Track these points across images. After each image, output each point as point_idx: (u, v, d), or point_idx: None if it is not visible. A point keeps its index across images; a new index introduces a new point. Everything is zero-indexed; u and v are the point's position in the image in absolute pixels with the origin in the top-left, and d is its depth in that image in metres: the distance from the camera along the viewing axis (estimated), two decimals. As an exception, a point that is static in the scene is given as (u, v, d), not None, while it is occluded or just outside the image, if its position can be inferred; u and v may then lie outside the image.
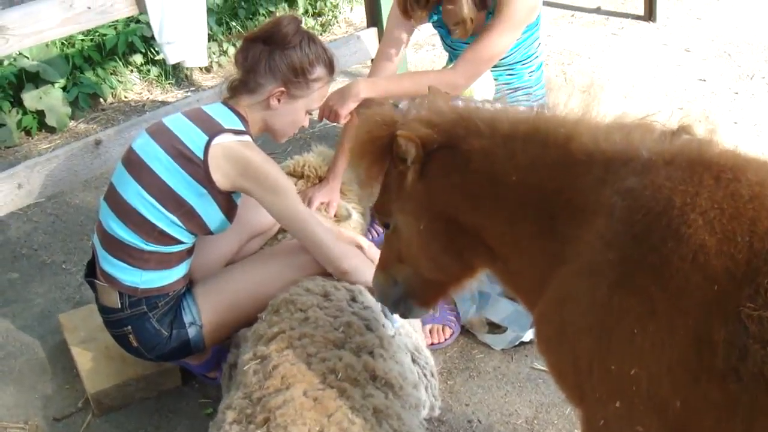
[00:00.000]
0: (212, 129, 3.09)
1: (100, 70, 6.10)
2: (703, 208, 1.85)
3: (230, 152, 3.08)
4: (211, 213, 3.13)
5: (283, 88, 3.20)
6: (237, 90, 3.25)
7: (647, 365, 1.91)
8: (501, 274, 2.45)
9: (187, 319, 3.24)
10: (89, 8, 3.88)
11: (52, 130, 5.78)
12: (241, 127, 3.17)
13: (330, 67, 3.34)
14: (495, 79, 3.92)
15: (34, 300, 4.19)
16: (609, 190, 2.02)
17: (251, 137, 3.20)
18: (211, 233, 3.21)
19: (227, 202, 3.16)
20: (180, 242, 3.15)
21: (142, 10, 4.13)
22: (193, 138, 3.08)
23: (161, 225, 3.09)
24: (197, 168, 3.05)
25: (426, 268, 2.51)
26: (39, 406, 3.56)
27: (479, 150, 2.27)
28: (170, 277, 3.19)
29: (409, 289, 2.62)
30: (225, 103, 3.25)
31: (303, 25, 3.33)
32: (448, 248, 2.42)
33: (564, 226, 2.13)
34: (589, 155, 2.10)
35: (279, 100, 3.22)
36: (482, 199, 2.29)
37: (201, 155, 3.05)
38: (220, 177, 3.07)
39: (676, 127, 2.10)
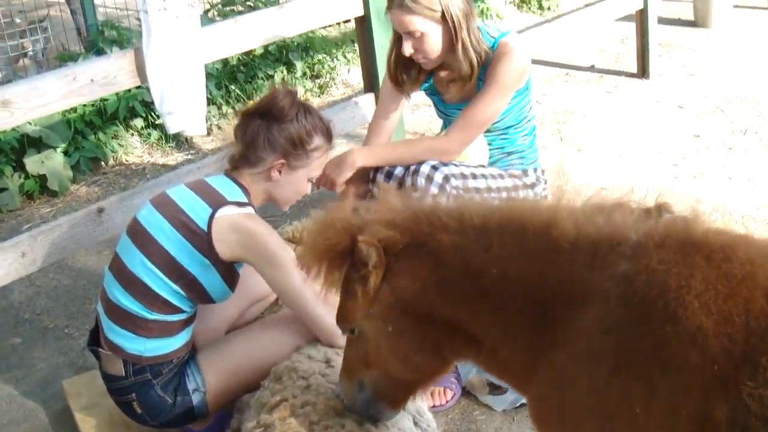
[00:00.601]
0: (216, 201, 3.15)
1: (101, 134, 6.19)
2: (698, 290, 1.86)
3: (233, 224, 3.12)
4: (213, 283, 3.17)
5: (283, 160, 3.26)
6: (238, 163, 3.31)
7: None
8: (485, 362, 2.39)
9: (191, 385, 3.26)
10: (92, 81, 3.95)
11: (53, 193, 5.84)
12: (244, 199, 3.22)
13: (327, 136, 3.38)
14: (488, 144, 3.99)
15: (36, 365, 4.20)
16: (599, 276, 2.00)
17: (254, 208, 3.26)
18: (213, 302, 3.25)
19: (229, 273, 3.20)
20: (182, 311, 3.19)
21: (143, 81, 4.21)
22: (197, 210, 3.14)
23: (164, 294, 3.13)
24: (201, 240, 3.10)
25: (397, 370, 2.42)
26: (42, 474, 3.57)
27: (450, 245, 2.23)
28: (174, 344, 3.22)
29: (378, 393, 2.52)
30: (227, 174, 3.31)
31: (299, 91, 3.40)
32: (422, 346, 2.35)
33: (554, 314, 2.09)
34: (573, 242, 2.07)
35: (280, 172, 3.28)
36: (460, 294, 2.23)
37: (205, 227, 3.10)
38: (224, 248, 3.11)
39: (654, 206, 2.10)
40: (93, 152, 6.07)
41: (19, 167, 5.82)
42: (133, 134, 6.42)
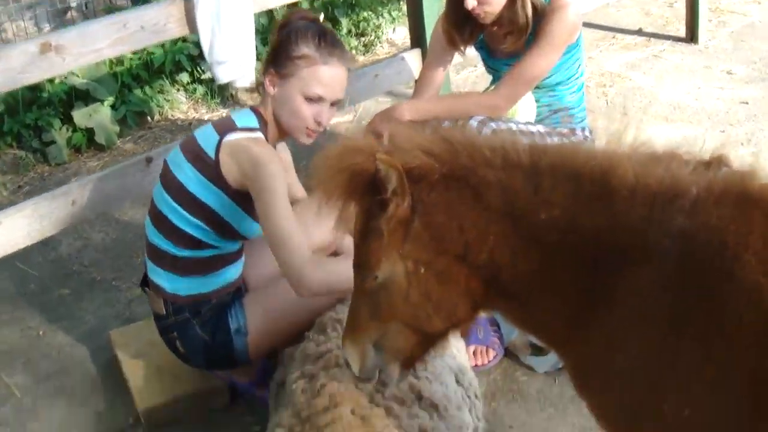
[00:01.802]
0: (225, 128, 3.17)
1: (147, 89, 6.22)
2: (756, 248, 1.82)
3: (236, 147, 3.11)
4: (233, 215, 3.18)
5: (271, 70, 3.21)
6: (259, 92, 3.33)
7: (702, 407, 1.91)
8: (520, 315, 2.26)
9: (233, 325, 3.31)
10: (142, 28, 3.98)
11: (100, 147, 5.89)
12: (256, 125, 3.20)
13: (320, 45, 3.17)
14: (536, 101, 3.96)
15: (84, 317, 4.27)
16: (656, 232, 1.93)
17: (265, 136, 3.22)
18: (241, 236, 3.25)
19: (248, 203, 3.15)
20: (210, 246, 3.22)
21: (193, 30, 4.22)
22: (208, 139, 3.17)
23: (188, 230, 3.19)
24: (210, 168, 3.12)
25: (424, 318, 2.20)
26: (91, 422, 3.63)
27: (495, 182, 2.06)
28: (212, 283, 3.27)
29: (394, 351, 2.29)
30: (252, 107, 3.32)
31: (320, 23, 3.29)
32: (456, 291, 2.16)
33: (604, 269, 2.00)
34: (631, 192, 1.96)
35: (273, 87, 3.21)
36: (502, 237, 2.07)
37: (213, 155, 3.12)
38: (229, 174, 3.11)
39: (712, 159, 2.01)
40: (139, 107, 6.11)
41: (67, 120, 5.88)
42: (179, 89, 6.45)
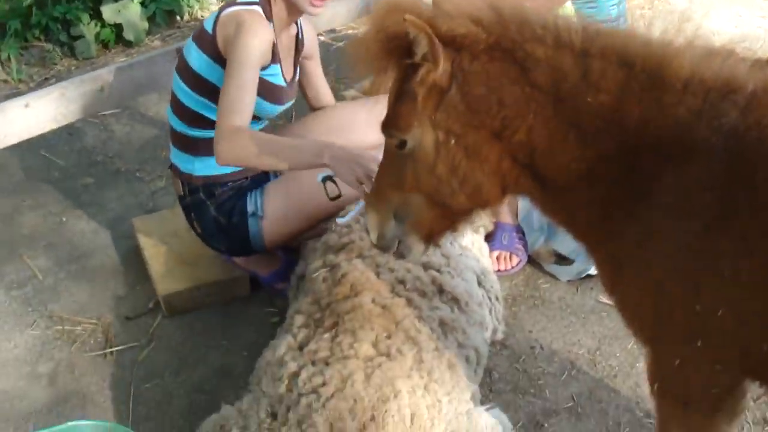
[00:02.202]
0: (226, 5, 3.19)
1: (178, -12, 6.13)
2: None
3: (228, 17, 3.12)
4: None
5: None
6: None
7: (737, 307, 1.87)
8: (548, 203, 2.21)
9: (250, 208, 3.33)
10: None
11: (129, 44, 5.82)
12: (255, 0, 3.17)
13: None
14: (576, 11, 3.87)
15: (107, 205, 4.27)
16: (706, 126, 1.87)
17: (269, 14, 3.16)
18: (254, 116, 3.14)
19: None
20: None
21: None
22: (210, 18, 3.21)
23: (197, 109, 3.26)
24: (208, 44, 3.17)
25: (449, 192, 2.16)
26: (111, 305, 3.65)
27: (543, 60, 1.99)
28: (226, 166, 3.22)
29: (415, 222, 2.27)
30: None
31: None
32: (485, 168, 2.11)
33: (648, 162, 1.95)
34: (686, 83, 1.90)
35: None
36: (543, 118, 2.02)
37: (210, 30, 3.17)
38: (222, 43, 3.13)
39: None
40: (169, 5, 6.02)
41: (96, 15, 5.80)
42: (209, -10, 6.35)
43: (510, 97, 2.02)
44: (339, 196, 3.06)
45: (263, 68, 3.14)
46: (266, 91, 3.20)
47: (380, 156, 2.32)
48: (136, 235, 3.84)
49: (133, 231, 3.90)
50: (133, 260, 3.85)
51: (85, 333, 3.50)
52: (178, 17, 6.14)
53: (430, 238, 2.34)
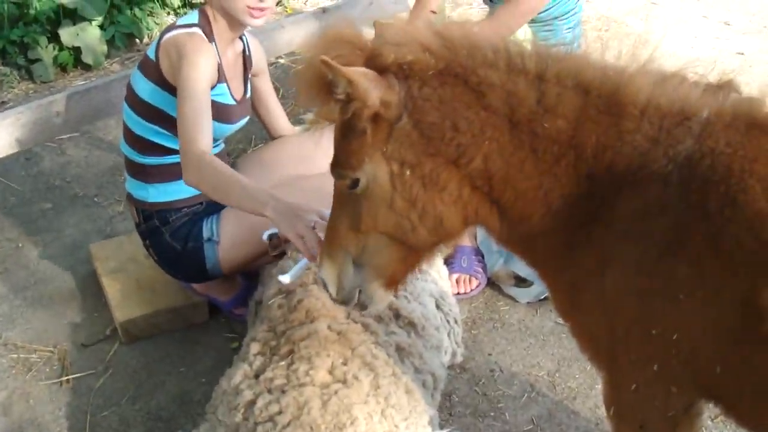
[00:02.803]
0: (166, 29, 3.19)
1: (137, 10, 6.09)
2: (761, 175, 1.79)
3: (170, 42, 3.11)
4: None
5: None
6: None
7: (691, 330, 1.89)
8: (507, 232, 2.15)
9: (206, 234, 3.32)
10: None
11: (87, 67, 5.78)
12: (194, 21, 3.17)
13: None
14: (532, 35, 3.90)
15: (65, 230, 4.22)
16: (663, 155, 1.88)
17: (211, 32, 3.16)
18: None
19: None
20: (174, 151, 3.22)
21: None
22: (152, 45, 3.21)
23: (148, 136, 3.27)
24: (152, 69, 3.17)
25: (409, 227, 2.09)
26: (67, 332, 3.61)
27: (498, 85, 1.96)
28: (180, 192, 3.27)
29: (375, 266, 2.19)
30: (199, 7, 3.29)
31: None
32: (443, 199, 2.06)
33: (605, 188, 1.95)
34: (642, 110, 1.91)
35: None
36: (497, 145, 1.99)
37: (153, 56, 3.17)
38: (167, 71, 3.13)
39: (722, 82, 1.96)
40: (128, 28, 5.98)
41: (54, 39, 5.76)
42: (169, 13, 6.32)
43: (464, 123, 1.99)
44: (283, 253, 3.06)
45: (211, 88, 3.12)
46: (216, 111, 3.12)
47: (324, 208, 2.26)
48: (93, 261, 3.80)
49: (90, 257, 3.86)
50: (90, 286, 3.82)
51: (41, 361, 3.46)
52: (137, 40, 6.10)
53: (393, 283, 2.25)
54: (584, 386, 3.32)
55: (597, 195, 1.97)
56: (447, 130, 2.00)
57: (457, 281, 3.76)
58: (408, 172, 2.03)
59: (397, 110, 1.99)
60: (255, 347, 2.83)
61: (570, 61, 2.01)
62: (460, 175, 2.04)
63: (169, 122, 3.17)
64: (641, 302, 1.96)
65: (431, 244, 2.19)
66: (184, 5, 6.37)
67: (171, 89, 3.12)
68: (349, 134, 2.04)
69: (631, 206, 1.93)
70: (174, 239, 3.32)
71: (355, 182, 2.07)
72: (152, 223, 3.34)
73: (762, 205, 1.78)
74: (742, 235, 1.80)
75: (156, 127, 3.23)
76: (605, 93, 1.94)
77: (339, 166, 2.10)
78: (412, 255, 2.21)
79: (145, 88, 3.21)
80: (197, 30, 3.12)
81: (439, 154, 2.02)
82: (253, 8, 3.08)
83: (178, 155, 3.13)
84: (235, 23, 3.19)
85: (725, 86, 1.97)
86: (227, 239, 3.30)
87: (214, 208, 3.36)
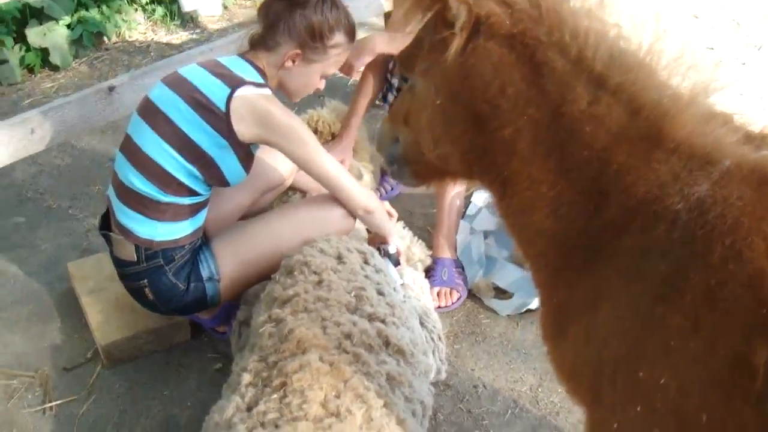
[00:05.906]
0: (234, 81, 3.07)
1: (105, 8, 6.01)
2: (766, 233, 1.78)
3: (252, 105, 3.05)
4: (229, 164, 3.12)
5: (298, 51, 3.18)
6: (256, 45, 3.24)
7: (679, 377, 1.88)
8: (504, 212, 2.21)
9: (204, 273, 3.25)
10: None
11: (55, 68, 5.71)
12: (261, 81, 3.16)
13: (350, 35, 3.29)
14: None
15: (40, 246, 4.17)
16: (678, 193, 1.87)
17: (271, 90, 3.19)
18: (228, 185, 3.20)
19: (246, 154, 3.15)
20: (197, 194, 3.14)
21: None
22: (214, 90, 3.05)
23: (179, 176, 3.07)
24: (219, 120, 3.02)
25: (426, 145, 2.25)
26: (48, 355, 3.56)
27: (559, 70, 1.96)
28: (185, 229, 3.19)
29: (406, 154, 2.40)
30: (243, 56, 3.23)
31: None
32: (460, 143, 2.14)
33: (614, 210, 1.95)
34: (677, 145, 1.89)
35: (294, 62, 3.21)
36: (533, 124, 2.00)
37: (223, 107, 3.02)
38: (243, 128, 3.04)
39: (759, 134, 1.94)
40: (96, 27, 5.91)
41: (20, 39, 5.67)
42: (137, 9, 6.25)
43: (513, 91, 2.00)
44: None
45: (253, 143, 3.16)
46: (249, 161, 3.19)
47: None
48: (72, 282, 3.76)
49: (68, 275, 3.81)
50: (69, 306, 3.77)
51: (22, 387, 3.41)
52: (105, 39, 6.03)
53: (419, 176, 2.45)
54: (567, 401, 3.34)
55: (605, 215, 1.97)
56: (492, 88, 2.02)
57: (439, 294, 3.78)
58: (438, 100, 2.14)
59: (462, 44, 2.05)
60: (246, 378, 2.81)
61: (635, 75, 1.96)
62: (484, 138, 2.09)
63: (209, 168, 3.09)
64: (630, 345, 1.95)
65: (442, 170, 2.33)
66: (151, 2, 6.28)
67: (232, 140, 3.04)
68: (419, 41, 2.20)
69: (638, 243, 1.93)
70: (177, 277, 3.21)
71: (405, 80, 2.32)
72: (156, 262, 3.18)
73: (765, 264, 1.79)
74: (740, 291, 1.81)
75: (193, 168, 3.07)
76: (652, 119, 1.92)
77: (400, 60, 2.31)
78: (433, 167, 2.34)
79: (198, 129, 3.03)
80: (269, 91, 3.15)
81: (474, 104, 2.06)
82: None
83: (198, 197, 3.14)
84: (277, 88, 3.31)
85: (760, 139, 1.95)
86: (228, 277, 3.28)
87: (203, 240, 3.33)
